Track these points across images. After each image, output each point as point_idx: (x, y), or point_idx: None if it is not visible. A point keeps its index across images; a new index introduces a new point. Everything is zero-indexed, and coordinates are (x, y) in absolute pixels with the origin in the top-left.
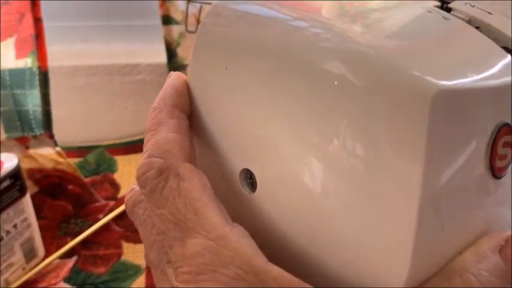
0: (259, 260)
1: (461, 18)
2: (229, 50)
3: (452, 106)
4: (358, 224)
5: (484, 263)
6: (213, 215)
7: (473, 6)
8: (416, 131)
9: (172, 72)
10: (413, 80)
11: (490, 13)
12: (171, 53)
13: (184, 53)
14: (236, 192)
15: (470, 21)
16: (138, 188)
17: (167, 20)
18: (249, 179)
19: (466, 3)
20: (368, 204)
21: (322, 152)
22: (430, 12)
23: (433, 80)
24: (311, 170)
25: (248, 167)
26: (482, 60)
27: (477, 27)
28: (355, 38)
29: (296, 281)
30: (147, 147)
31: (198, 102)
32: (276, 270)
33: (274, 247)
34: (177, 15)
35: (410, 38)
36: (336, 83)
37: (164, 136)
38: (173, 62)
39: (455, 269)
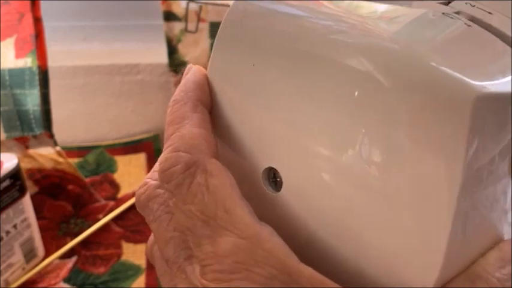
0: (292, 260)
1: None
2: (257, 47)
3: (489, 112)
4: (389, 226)
5: (507, 268)
6: (244, 214)
7: (473, 6)
8: (455, 135)
9: (191, 65)
10: (453, 82)
11: (490, 13)
12: (171, 49)
13: (185, 49)
14: (259, 191)
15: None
16: (152, 182)
17: (169, 16)
18: (273, 177)
19: (466, 3)
20: (399, 208)
21: (352, 154)
22: (452, 18)
23: (474, 84)
24: (340, 172)
25: (273, 166)
26: (509, 67)
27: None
28: (381, 34)
29: (327, 281)
30: (171, 140)
31: (220, 98)
32: (308, 270)
33: (298, 247)
34: (178, 12)
35: (432, 40)
36: (363, 83)
37: (189, 130)
38: (174, 59)
39: (479, 271)
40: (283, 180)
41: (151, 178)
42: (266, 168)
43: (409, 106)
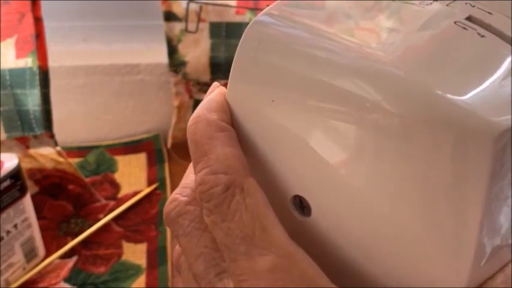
0: (324, 280)
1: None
2: (274, 83)
3: (507, 144)
4: (422, 241)
5: None
6: (279, 233)
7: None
8: (477, 171)
9: (216, 83)
10: (470, 116)
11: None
12: (172, 49)
13: (185, 49)
14: (286, 214)
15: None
16: (182, 198)
17: (169, 16)
18: (299, 203)
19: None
20: (430, 224)
21: (379, 183)
22: (465, 29)
23: (495, 119)
24: (369, 197)
25: (300, 194)
26: None
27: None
28: (384, 58)
29: None
30: (206, 162)
31: (240, 124)
32: None
33: (326, 269)
34: (179, 12)
35: (446, 62)
36: (374, 112)
37: (222, 151)
38: (174, 59)
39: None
40: (312, 208)
41: (181, 194)
42: (292, 196)
43: (421, 139)
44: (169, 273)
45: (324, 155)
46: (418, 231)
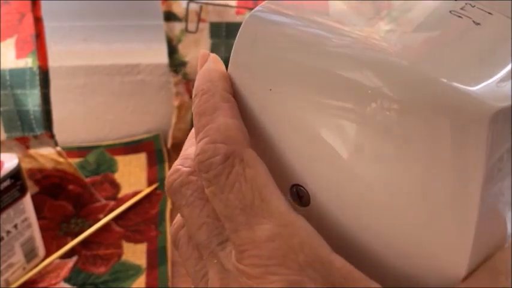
0: (325, 249)
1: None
2: (272, 72)
3: (503, 122)
4: (422, 222)
5: None
6: (280, 203)
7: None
8: (473, 153)
9: (206, 51)
10: (467, 99)
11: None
12: (172, 49)
13: (185, 49)
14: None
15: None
16: (184, 169)
17: (169, 17)
18: (296, 194)
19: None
20: (428, 207)
21: (380, 170)
22: (460, 17)
23: (489, 100)
24: (371, 183)
25: (298, 183)
26: None
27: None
28: (388, 48)
29: (357, 272)
30: (207, 132)
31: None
32: (339, 260)
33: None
34: (179, 12)
35: (440, 47)
36: (375, 100)
37: (224, 122)
38: (174, 58)
39: (498, 267)
40: (311, 195)
41: (183, 165)
42: (289, 186)
43: (424, 125)
44: (169, 273)
45: (326, 144)
46: (421, 215)
